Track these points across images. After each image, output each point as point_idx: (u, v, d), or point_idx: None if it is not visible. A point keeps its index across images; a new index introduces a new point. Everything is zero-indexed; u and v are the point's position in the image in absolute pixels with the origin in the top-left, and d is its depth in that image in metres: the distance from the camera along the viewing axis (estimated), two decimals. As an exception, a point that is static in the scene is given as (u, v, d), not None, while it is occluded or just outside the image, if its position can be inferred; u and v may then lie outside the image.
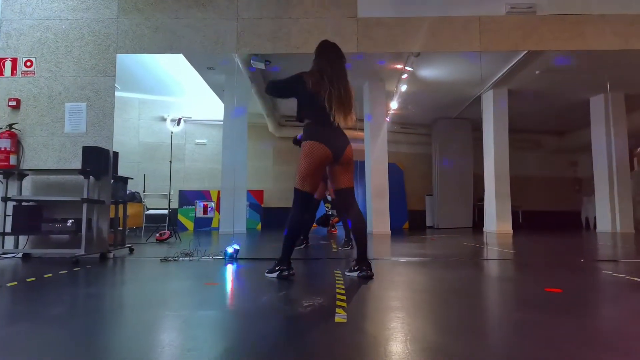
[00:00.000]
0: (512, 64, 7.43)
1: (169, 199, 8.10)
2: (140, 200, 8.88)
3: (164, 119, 10.88)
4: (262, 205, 11.18)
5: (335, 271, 3.48)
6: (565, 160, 12.88)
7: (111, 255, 4.49)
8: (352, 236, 3.24)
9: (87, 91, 4.68)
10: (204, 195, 10.98)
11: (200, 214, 3.91)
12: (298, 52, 4.71)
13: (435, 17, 4.67)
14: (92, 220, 4.37)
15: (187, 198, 10.95)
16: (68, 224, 4.21)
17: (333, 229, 8.21)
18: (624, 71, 7.59)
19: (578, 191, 12.64)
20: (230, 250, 4.33)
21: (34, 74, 4.69)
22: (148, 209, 8.92)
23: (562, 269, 3.76)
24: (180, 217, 10.65)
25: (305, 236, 5.47)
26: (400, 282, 3.09)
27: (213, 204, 4.03)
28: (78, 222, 4.24)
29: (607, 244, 6.70)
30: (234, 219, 7.90)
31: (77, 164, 4.46)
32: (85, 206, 4.15)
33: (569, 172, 12.91)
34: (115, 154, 4.72)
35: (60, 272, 3.42)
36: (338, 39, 4.67)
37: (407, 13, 4.70)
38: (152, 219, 8.58)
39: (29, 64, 4.70)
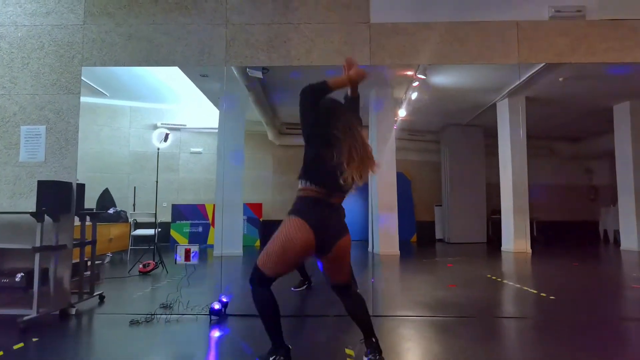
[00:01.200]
0: (534, 70, 6.68)
1: (156, 221, 7.36)
2: (126, 220, 8.16)
3: (157, 127, 10.17)
4: (261, 219, 10.48)
5: (347, 351, 2.72)
6: (581, 168, 12.25)
7: (73, 311, 3.71)
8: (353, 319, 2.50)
9: (47, 112, 3.91)
10: (198, 210, 10.27)
11: (181, 260, 3.23)
12: (298, 64, 3.94)
13: (464, 21, 3.89)
14: (49, 271, 3.59)
15: (181, 212, 10.27)
16: (16, 279, 3.44)
17: None
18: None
19: (593, 200, 12.04)
20: (216, 306, 3.57)
21: (-17, 91, 3.92)
22: (137, 228, 8.18)
23: (621, 333, 2.98)
24: (173, 233, 9.94)
25: (303, 274, 4.67)
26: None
27: (197, 252, 3.33)
28: (30, 273, 3.47)
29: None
30: (222, 240, 7.14)
31: (34, 199, 3.69)
32: (37, 256, 3.38)
33: (584, 180, 12.29)
34: (81, 186, 3.96)
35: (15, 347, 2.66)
36: (347, 48, 3.90)
37: (429, 17, 3.92)
38: (141, 239, 7.83)
39: (-23, 79, 3.93)
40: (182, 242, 9.71)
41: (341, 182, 2.19)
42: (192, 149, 11.13)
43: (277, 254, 2.27)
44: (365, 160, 2.23)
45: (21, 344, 2.86)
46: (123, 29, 3.95)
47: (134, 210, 8.51)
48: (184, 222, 10.25)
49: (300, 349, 3.03)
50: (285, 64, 3.93)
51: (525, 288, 4.85)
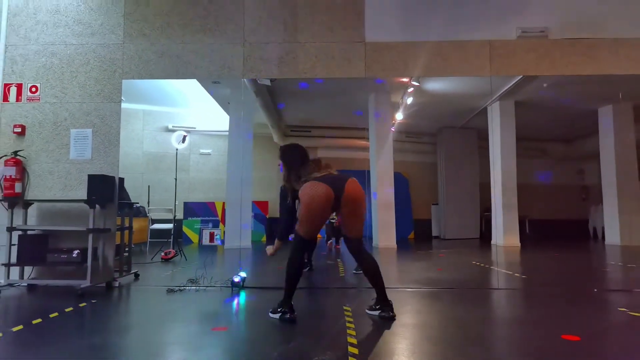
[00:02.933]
0: (519, 78, 7.33)
1: (174, 215, 8.05)
2: (145, 215, 8.84)
3: (169, 130, 10.84)
4: (267, 216, 11.13)
5: (344, 307, 3.41)
6: (572, 168, 12.76)
7: (117, 283, 4.43)
8: (366, 277, 3.20)
9: (93, 117, 4.63)
10: (208, 207, 10.93)
11: (206, 241, 3.85)
12: (305, 76, 4.65)
13: (445, 41, 4.59)
14: (97, 250, 4.32)
15: (193, 210, 10.91)
16: (74, 255, 4.16)
17: (337, 245, 8.12)
18: (634, 84, 7.53)
19: (585, 199, 12.52)
20: (236, 279, 4.28)
21: (39, 99, 4.65)
22: (153, 223, 8.86)
23: (576, 303, 3.67)
24: (186, 230, 10.61)
25: (309, 259, 5.39)
26: (414, 327, 3.01)
27: (219, 236, 3.96)
28: (84, 251, 4.19)
29: (618, 264, 6.60)
30: (240, 235, 7.82)
31: (83, 191, 4.42)
32: (90, 236, 4.10)
33: (575, 181, 12.79)
34: (121, 180, 4.68)
35: (66, 310, 3.37)
36: (345, 63, 4.62)
37: (415, 37, 4.63)
38: (157, 233, 8.51)
39: (34, 89, 4.66)
40: (194, 238, 10.37)
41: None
42: (202, 151, 11.78)
43: (307, 214, 3.00)
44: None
45: (84, 303, 3.58)
46: (157, 47, 4.68)
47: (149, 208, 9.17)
48: (195, 218, 10.90)
49: (307, 305, 3.74)
50: (294, 77, 4.65)
51: (503, 270, 5.53)
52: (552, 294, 4.14)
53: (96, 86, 4.66)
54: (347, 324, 2.94)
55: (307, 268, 5.34)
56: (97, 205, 4.24)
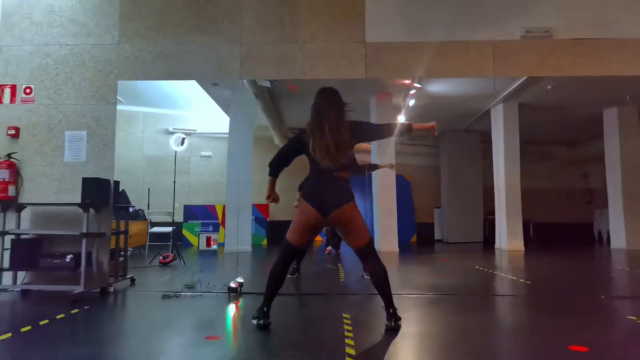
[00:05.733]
0: (523, 80, 7.23)
1: (173, 219, 7.97)
2: (144, 218, 8.76)
3: (169, 132, 10.78)
4: (268, 219, 11.03)
5: (344, 315, 3.30)
6: (577, 172, 12.65)
7: (112, 289, 4.33)
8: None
9: (88, 119, 4.54)
10: (208, 210, 10.85)
11: (203, 246, 3.77)
12: (304, 77, 4.55)
13: (448, 41, 4.49)
14: (92, 254, 4.22)
15: (193, 212, 10.84)
16: (67, 260, 4.06)
17: (337, 249, 8.00)
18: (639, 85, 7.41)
19: (589, 202, 12.40)
20: (233, 285, 4.17)
21: (33, 101, 4.57)
22: (152, 226, 8.78)
23: (583, 311, 3.55)
24: (185, 233, 10.54)
25: (298, 265, 5.27)
26: (413, 336, 2.90)
27: (217, 239, 3.88)
28: (77, 256, 4.09)
29: (625, 270, 6.46)
30: (238, 239, 7.73)
31: (77, 194, 4.32)
32: (84, 241, 4.01)
33: (580, 184, 12.68)
34: (117, 183, 4.58)
35: (57, 317, 3.27)
36: (345, 63, 4.53)
37: (417, 37, 4.53)
38: (156, 236, 8.42)
39: (28, 91, 4.57)
40: (194, 241, 10.29)
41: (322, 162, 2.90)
42: (202, 153, 11.73)
43: (296, 227, 2.97)
44: (332, 155, 2.90)
45: (76, 310, 3.49)
46: (152, 47, 4.59)
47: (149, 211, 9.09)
48: (195, 221, 10.83)
49: (305, 312, 3.63)
50: (292, 78, 4.56)
51: (507, 276, 5.41)
52: (558, 301, 4.01)
53: (91, 87, 4.58)
54: (346, 333, 2.83)
55: (296, 274, 5.21)
56: (91, 209, 4.14)
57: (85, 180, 4.22)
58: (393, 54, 4.51)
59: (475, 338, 2.87)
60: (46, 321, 3.15)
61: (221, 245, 9.26)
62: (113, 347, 2.73)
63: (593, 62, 4.41)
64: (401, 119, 9.84)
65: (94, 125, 4.53)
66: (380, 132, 3.16)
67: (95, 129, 4.53)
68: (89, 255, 4.12)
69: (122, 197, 9.52)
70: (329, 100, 3.02)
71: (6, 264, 4.17)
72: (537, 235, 11.37)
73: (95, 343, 2.75)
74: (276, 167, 3.11)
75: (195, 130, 11.45)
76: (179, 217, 10.55)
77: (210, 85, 8.43)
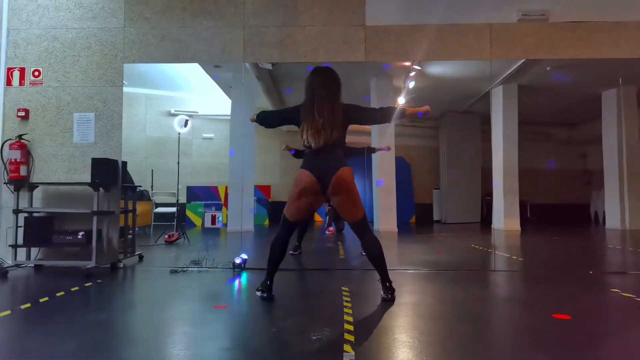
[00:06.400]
0: (522, 61, 7.30)
1: (177, 199, 8.15)
2: (148, 198, 8.94)
3: (172, 114, 10.87)
4: (270, 200, 11.22)
5: (343, 288, 3.50)
6: (575, 153, 12.73)
7: (121, 264, 4.54)
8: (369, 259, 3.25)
9: (95, 101, 4.68)
10: (211, 191, 11.03)
11: (208, 224, 3.94)
12: (305, 60, 4.66)
13: (445, 24, 4.58)
14: (102, 232, 4.42)
15: (196, 194, 11.02)
16: (79, 237, 4.25)
17: (330, 229, 8.20)
18: (636, 67, 7.48)
19: (588, 184, 12.52)
20: (238, 261, 4.37)
21: (42, 83, 4.70)
22: (157, 207, 8.97)
23: (570, 285, 3.75)
24: (189, 213, 10.73)
25: (299, 242, 5.44)
26: (408, 305, 3.10)
27: (221, 218, 4.05)
28: (88, 233, 4.28)
29: (617, 248, 6.66)
30: (242, 219, 7.92)
31: (87, 174, 4.49)
32: (95, 219, 4.20)
33: (578, 165, 12.78)
34: (124, 163, 4.74)
35: (72, 289, 3.47)
36: (346, 47, 4.63)
37: (415, 20, 4.62)
38: (161, 216, 8.62)
39: (36, 73, 4.70)
40: (197, 222, 10.49)
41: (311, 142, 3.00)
42: (204, 135, 11.82)
43: (293, 199, 3.06)
44: (321, 133, 2.99)
45: (89, 283, 3.69)
46: (157, 31, 4.69)
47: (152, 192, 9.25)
48: (199, 202, 11.01)
49: (307, 286, 3.83)
50: (294, 61, 4.67)
51: (501, 253, 5.61)
52: (548, 275, 4.22)
53: (98, 70, 4.70)
54: (345, 303, 3.02)
55: (298, 252, 5.39)
56: (100, 188, 4.32)
57: (94, 161, 4.38)
58: (392, 37, 4.61)
59: (467, 307, 3.07)
60: (62, 293, 3.35)
61: (224, 226, 9.48)
62: (129, 313, 2.94)
63: (587, 44, 4.51)
64: (401, 100, 9.94)
65: (102, 107, 4.67)
66: (374, 117, 3.26)
67: (102, 110, 4.67)
68: (99, 232, 4.31)
69: (126, 179, 9.74)
70: (322, 81, 3.09)
71: (20, 240, 4.36)
72: (534, 216, 11.54)
73: (112, 310, 2.95)
74: (263, 117, 3.28)
75: (197, 112, 11.52)
76: (182, 198, 10.70)
77: (213, 67, 8.48)
